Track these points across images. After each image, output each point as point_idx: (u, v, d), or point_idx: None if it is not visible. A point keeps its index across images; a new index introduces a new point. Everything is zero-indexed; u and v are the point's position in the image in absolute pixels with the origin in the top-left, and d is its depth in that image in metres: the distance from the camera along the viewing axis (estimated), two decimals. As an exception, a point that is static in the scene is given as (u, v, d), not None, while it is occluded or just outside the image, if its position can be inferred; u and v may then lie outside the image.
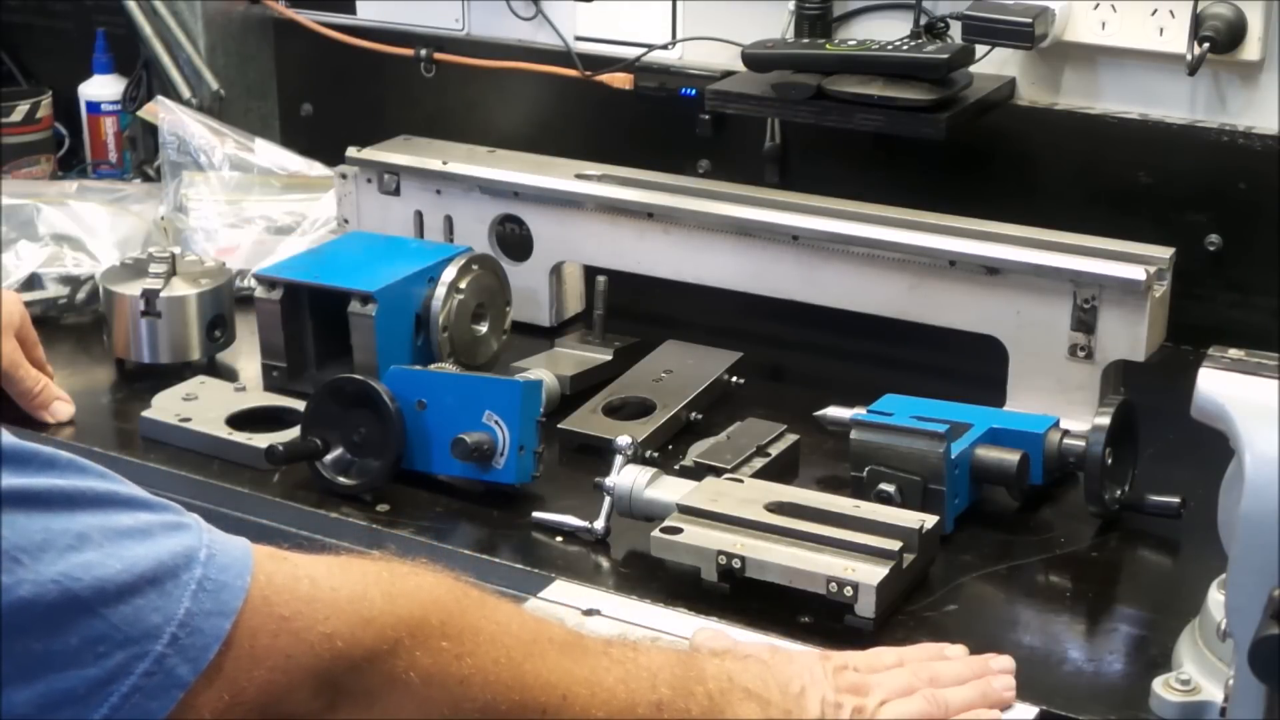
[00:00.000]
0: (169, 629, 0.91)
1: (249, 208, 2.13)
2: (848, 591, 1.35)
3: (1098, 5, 1.83)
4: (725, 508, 1.44)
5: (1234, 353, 1.22)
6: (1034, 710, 1.27)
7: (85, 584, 0.89)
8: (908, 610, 1.40)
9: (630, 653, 1.15)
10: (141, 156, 2.37)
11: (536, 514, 1.54)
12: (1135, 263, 1.66)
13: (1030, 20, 1.78)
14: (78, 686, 0.89)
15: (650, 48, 2.07)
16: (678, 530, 1.42)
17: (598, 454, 1.60)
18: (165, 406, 1.72)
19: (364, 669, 1.00)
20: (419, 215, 2.00)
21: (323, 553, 1.05)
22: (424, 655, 1.03)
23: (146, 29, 2.31)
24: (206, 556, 0.95)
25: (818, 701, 1.20)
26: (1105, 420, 1.51)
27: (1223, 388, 1.19)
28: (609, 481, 1.50)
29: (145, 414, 1.72)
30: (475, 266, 1.81)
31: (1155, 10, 1.80)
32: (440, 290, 1.77)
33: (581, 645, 1.13)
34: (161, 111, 2.23)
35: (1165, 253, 1.69)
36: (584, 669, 1.11)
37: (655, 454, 1.64)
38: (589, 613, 1.38)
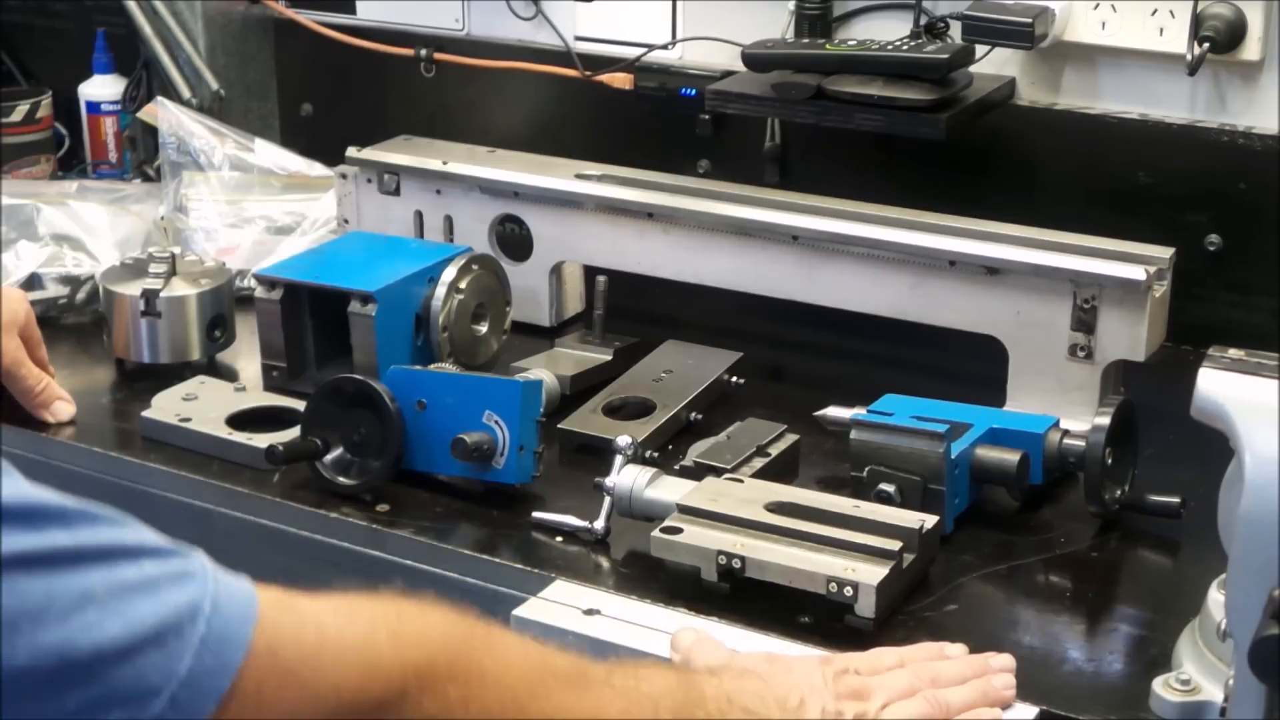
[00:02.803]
0: (169, 688, 0.90)
1: (249, 208, 2.13)
2: (848, 591, 1.35)
3: (1098, 5, 1.83)
4: (725, 508, 1.44)
5: (1234, 353, 1.22)
6: (1034, 710, 1.27)
7: (84, 649, 0.88)
8: (908, 610, 1.40)
9: (632, 681, 1.15)
10: (141, 156, 2.37)
11: (536, 514, 1.54)
12: (1135, 263, 1.66)
13: (1030, 20, 1.78)
14: None
15: (650, 48, 2.07)
16: (678, 530, 1.42)
17: (598, 454, 1.60)
18: (165, 406, 1.72)
19: (370, 718, 1.00)
20: (419, 215, 2.00)
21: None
22: (430, 701, 1.03)
23: (146, 29, 2.31)
24: (211, 609, 0.93)
25: (818, 711, 1.20)
26: (1105, 420, 1.51)
27: (1223, 388, 1.19)
28: (609, 481, 1.50)
29: (145, 414, 1.71)
30: (475, 266, 1.81)
31: (1155, 10, 1.80)
32: (440, 290, 1.77)
33: (585, 678, 1.13)
34: (161, 113, 2.23)
35: (1165, 253, 1.69)
36: (588, 702, 1.11)
37: (655, 454, 1.64)
38: (589, 613, 1.37)
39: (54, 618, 0.87)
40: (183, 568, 0.94)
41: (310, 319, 1.80)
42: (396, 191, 2.01)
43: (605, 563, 1.49)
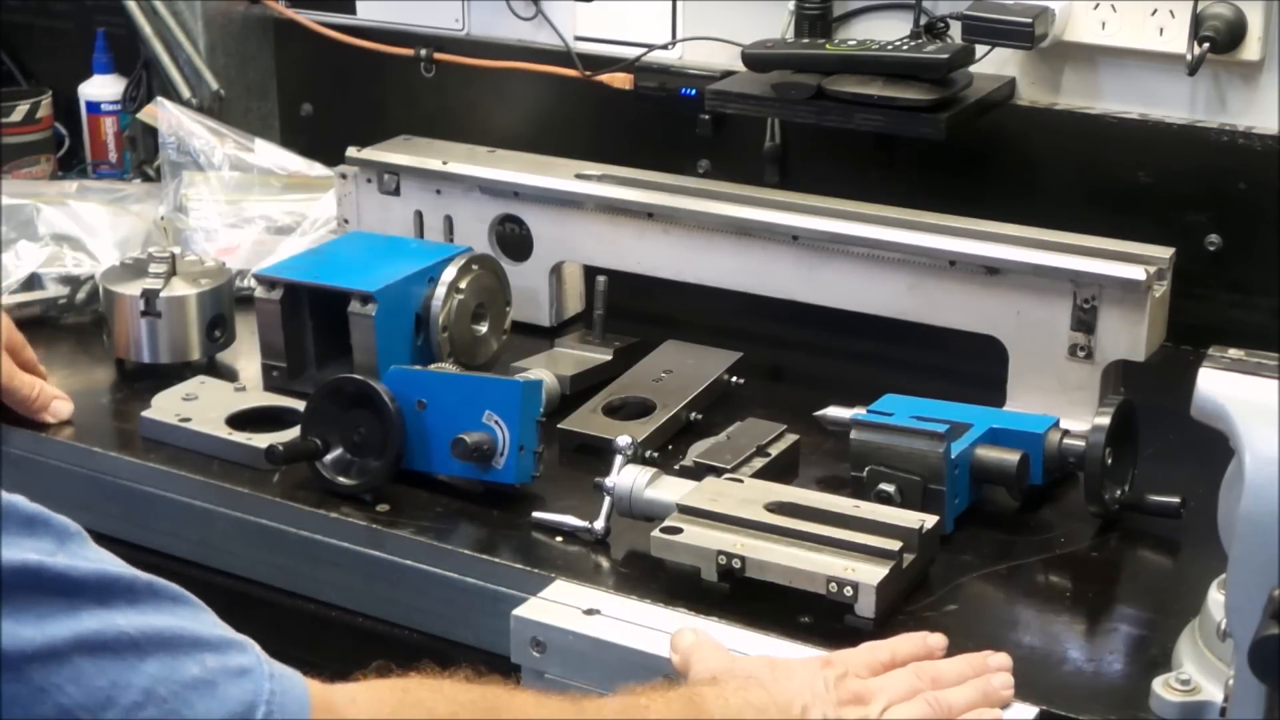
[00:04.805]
0: None
1: (249, 208, 2.13)
2: (848, 591, 1.35)
3: (1098, 5, 1.83)
4: (725, 508, 1.44)
5: (1234, 353, 1.22)
6: (1034, 710, 1.27)
7: None
8: (908, 610, 1.40)
9: (641, 706, 1.16)
10: (141, 156, 2.37)
11: (536, 514, 1.54)
12: (1135, 263, 1.66)
13: (1030, 20, 1.78)
14: None
15: (650, 48, 2.07)
16: (678, 530, 1.42)
17: (598, 454, 1.60)
18: (165, 406, 1.72)
19: None
20: (419, 215, 2.00)
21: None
22: None
23: (146, 29, 2.31)
24: (267, 707, 0.93)
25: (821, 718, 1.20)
26: (1105, 420, 1.51)
27: (1223, 388, 1.19)
28: (609, 481, 1.50)
29: (145, 414, 1.71)
30: (475, 266, 1.81)
31: (1155, 10, 1.80)
32: (440, 290, 1.77)
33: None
34: (161, 113, 2.23)
35: (1165, 253, 1.69)
36: None
37: (655, 454, 1.64)
38: (589, 613, 1.38)
39: (116, 713, 0.86)
40: (240, 663, 0.94)
41: (310, 319, 1.80)
42: (396, 191, 2.01)
43: (605, 563, 1.48)
